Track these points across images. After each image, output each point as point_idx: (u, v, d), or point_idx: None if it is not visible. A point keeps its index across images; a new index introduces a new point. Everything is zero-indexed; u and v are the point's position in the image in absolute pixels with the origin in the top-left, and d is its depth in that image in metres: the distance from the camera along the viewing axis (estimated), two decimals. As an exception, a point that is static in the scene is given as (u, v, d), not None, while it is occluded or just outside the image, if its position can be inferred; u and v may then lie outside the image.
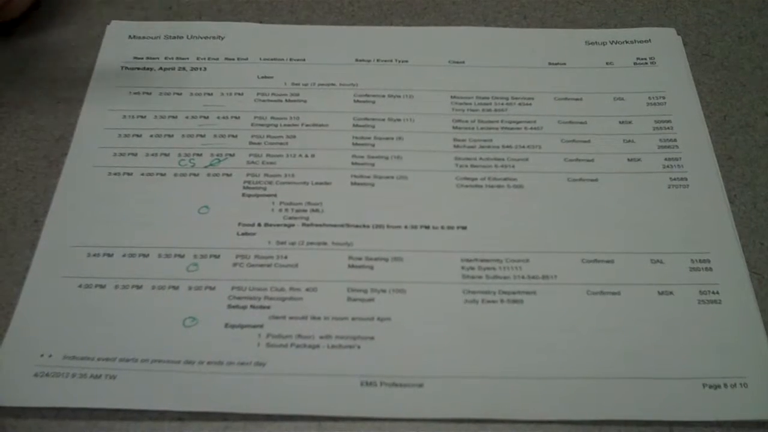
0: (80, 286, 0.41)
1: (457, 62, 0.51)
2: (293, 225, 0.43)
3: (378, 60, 0.51)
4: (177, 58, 0.50)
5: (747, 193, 0.45)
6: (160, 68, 0.50)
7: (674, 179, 0.45)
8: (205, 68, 0.50)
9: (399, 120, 0.48)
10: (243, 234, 0.43)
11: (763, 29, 0.53)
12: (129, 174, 0.45)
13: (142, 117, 0.47)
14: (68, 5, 0.53)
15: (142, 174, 0.45)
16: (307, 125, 0.47)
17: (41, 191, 0.44)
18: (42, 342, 0.39)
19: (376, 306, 0.40)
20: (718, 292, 0.41)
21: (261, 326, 0.39)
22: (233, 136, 0.47)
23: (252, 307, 0.40)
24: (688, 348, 0.39)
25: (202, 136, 0.47)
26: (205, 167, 0.45)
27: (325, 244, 0.42)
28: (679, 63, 0.51)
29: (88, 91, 0.48)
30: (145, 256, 0.42)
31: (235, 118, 0.48)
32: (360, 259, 0.42)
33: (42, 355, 0.38)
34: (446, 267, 0.42)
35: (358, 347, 0.39)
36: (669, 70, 0.50)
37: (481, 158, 0.46)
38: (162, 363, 0.38)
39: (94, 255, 0.42)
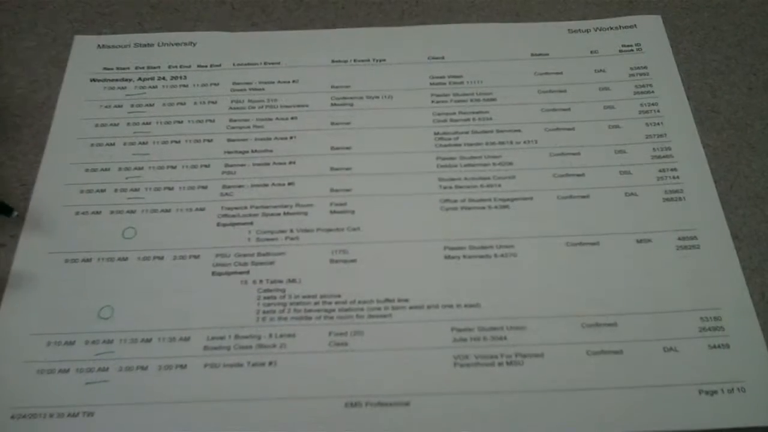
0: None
1: (436, 58, 0.49)
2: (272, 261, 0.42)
3: (355, 60, 0.49)
4: (148, 68, 0.49)
5: (745, 200, 0.44)
6: (129, 79, 0.48)
7: (669, 192, 0.44)
8: (178, 77, 0.48)
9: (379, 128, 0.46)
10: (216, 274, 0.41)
11: None
12: (97, 213, 0.43)
13: (110, 145, 0.46)
14: (34, 15, 0.51)
15: (111, 212, 0.43)
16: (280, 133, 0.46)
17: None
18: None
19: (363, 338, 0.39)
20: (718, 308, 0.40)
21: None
22: (208, 140, 0.46)
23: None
24: (684, 354, 0.38)
25: (177, 142, 0.46)
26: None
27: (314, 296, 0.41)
28: (665, 49, 0.49)
29: (56, 111, 0.47)
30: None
31: (210, 121, 0.46)
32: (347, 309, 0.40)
33: None
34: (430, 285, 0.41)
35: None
36: (655, 56, 0.49)
37: (466, 178, 0.44)
38: None
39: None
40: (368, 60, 0.49)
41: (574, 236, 0.42)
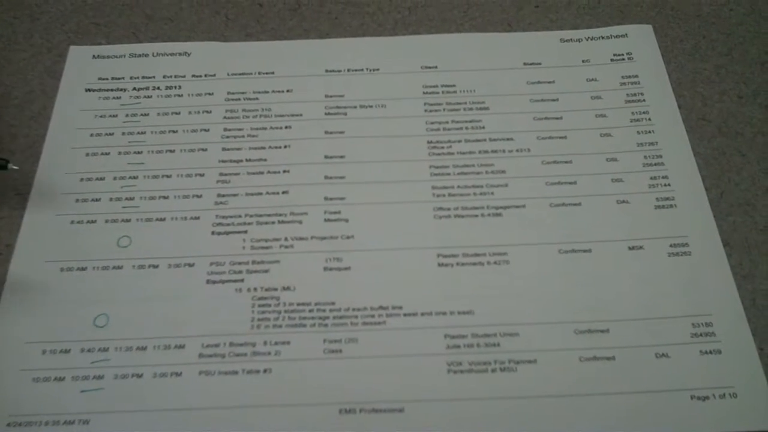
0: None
1: (429, 68, 0.49)
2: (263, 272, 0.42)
3: (348, 70, 0.49)
4: (143, 78, 0.49)
5: (736, 207, 0.44)
6: (123, 89, 0.49)
7: (661, 199, 0.44)
8: (172, 86, 0.49)
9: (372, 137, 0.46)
10: (210, 282, 0.41)
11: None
12: (93, 222, 0.43)
13: (105, 154, 0.46)
14: (29, 26, 0.51)
15: (106, 221, 0.43)
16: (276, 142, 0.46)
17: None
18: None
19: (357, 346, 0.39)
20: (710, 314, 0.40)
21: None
22: (203, 150, 0.46)
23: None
24: (676, 360, 0.38)
25: (172, 151, 0.46)
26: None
27: (308, 304, 0.41)
28: (655, 57, 0.50)
29: (51, 121, 0.47)
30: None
31: (205, 131, 0.47)
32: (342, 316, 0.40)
33: None
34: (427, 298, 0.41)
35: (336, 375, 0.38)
36: (646, 65, 0.49)
37: (459, 186, 0.45)
38: None
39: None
40: (362, 69, 0.49)
41: (566, 243, 0.42)
